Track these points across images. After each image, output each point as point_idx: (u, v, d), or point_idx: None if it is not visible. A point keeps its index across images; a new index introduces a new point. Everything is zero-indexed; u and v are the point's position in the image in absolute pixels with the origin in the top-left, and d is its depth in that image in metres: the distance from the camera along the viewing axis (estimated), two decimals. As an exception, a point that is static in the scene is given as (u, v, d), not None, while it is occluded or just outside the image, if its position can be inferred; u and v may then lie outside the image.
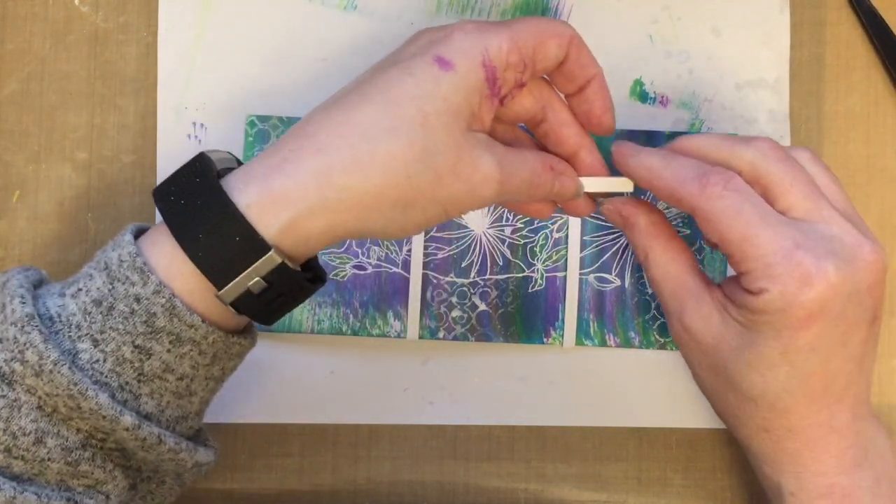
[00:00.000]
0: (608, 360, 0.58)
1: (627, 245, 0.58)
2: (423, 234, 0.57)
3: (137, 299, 0.41)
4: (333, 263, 0.58)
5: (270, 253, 0.41)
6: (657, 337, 0.58)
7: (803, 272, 0.43)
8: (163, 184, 0.42)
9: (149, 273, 0.41)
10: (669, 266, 0.49)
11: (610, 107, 0.49)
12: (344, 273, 0.58)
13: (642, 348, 0.58)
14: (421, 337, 0.57)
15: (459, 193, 0.43)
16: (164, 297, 0.41)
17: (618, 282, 0.58)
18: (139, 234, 0.43)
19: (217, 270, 0.41)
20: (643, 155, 0.48)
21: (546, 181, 0.47)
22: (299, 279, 0.43)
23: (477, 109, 0.43)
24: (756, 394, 0.46)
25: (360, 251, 0.58)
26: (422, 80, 0.42)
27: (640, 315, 0.58)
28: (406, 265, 0.58)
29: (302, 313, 0.57)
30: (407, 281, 0.58)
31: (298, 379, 0.58)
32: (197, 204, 0.41)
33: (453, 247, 0.58)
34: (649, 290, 0.58)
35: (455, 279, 0.58)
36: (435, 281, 0.58)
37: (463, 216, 0.58)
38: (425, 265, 0.58)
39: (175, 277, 0.41)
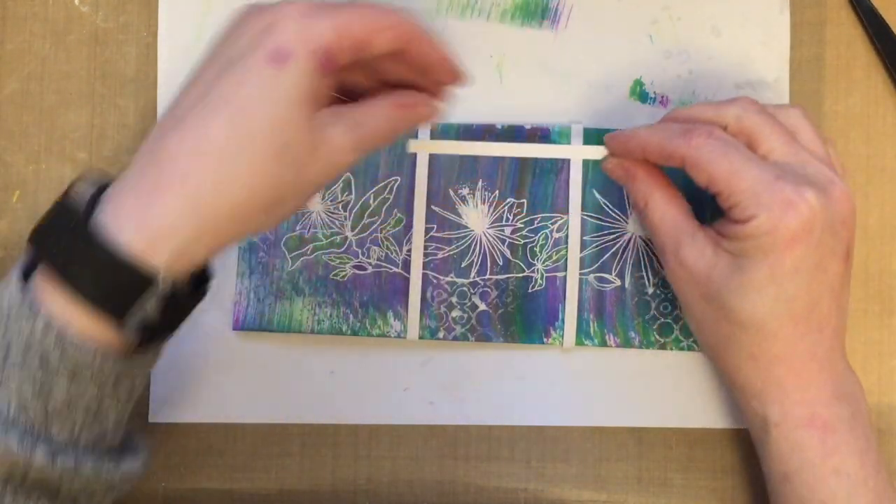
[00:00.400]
0: (608, 360, 0.58)
1: (627, 245, 0.58)
2: (423, 234, 0.58)
3: (30, 339, 0.41)
4: (333, 263, 0.58)
5: (160, 281, 0.41)
6: (657, 337, 0.58)
7: (786, 197, 0.47)
8: (37, 230, 0.43)
9: (37, 312, 0.41)
10: (667, 209, 0.53)
11: (449, 58, 0.48)
12: (344, 273, 0.58)
13: (642, 348, 0.58)
14: (421, 337, 0.57)
15: (323, 171, 0.44)
16: (54, 334, 0.41)
17: (618, 282, 0.58)
18: (31, 264, 0.43)
19: (110, 307, 0.41)
20: (631, 132, 0.53)
21: (401, 121, 0.47)
22: (191, 291, 0.44)
23: (318, 91, 0.43)
24: (745, 318, 0.49)
25: (359, 251, 0.58)
26: (260, 84, 0.41)
27: (640, 315, 0.58)
28: (406, 265, 0.58)
29: (302, 313, 0.57)
30: (407, 281, 0.58)
31: (298, 379, 0.58)
32: (78, 247, 0.41)
33: (453, 247, 0.58)
34: (649, 291, 0.58)
35: (455, 279, 0.58)
36: (435, 281, 0.58)
37: (463, 217, 0.58)
38: (425, 265, 0.58)
39: (67, 314, 0.41)
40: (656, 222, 0.53)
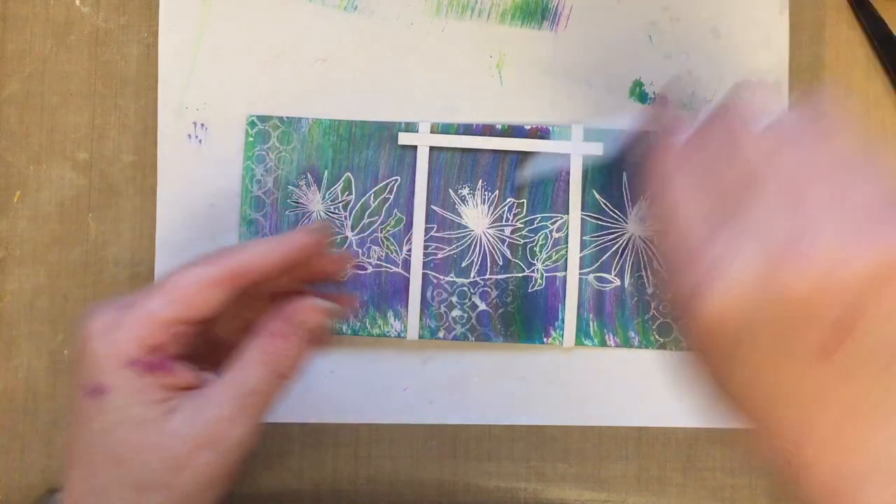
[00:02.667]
0: (608, 359, 0.58)
1: (627, 245, 0.58)
2: (423, 233, 0.58)
3: None
4: (333, 263, 0.58)
5: None
6: (657, 337, 0.58)
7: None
8: None
9: None
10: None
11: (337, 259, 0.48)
12: (344, 273, 0.58)
13: (642, 348, 0.58)
14: (421, 337, 0.58)
15: (210, 463, 0.43)
16: None
17: (617, 282, 0.58)
18: None
19: None
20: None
21: (286, 351, 0.45)
22: None
23: (156, 391, 0.42)
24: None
25: (360, 251, 0.58)
26: (91, 422, 0.42)
27: (640, 315, 0.58)
28: (406, 265, 0.58)
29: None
30: (407, 281, 0.58)
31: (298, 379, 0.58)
32: None
33: (453, 247, 0.58)
34: (649, 290, 0.58)
35: (455, 279, 0.58)
36: (435, 281, 0.58)
37: (463, 216, 0.58)
38: (425, 265, 0.58)
39: None
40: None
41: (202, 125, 0.59)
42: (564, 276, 0.58)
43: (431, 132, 0.58)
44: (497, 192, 0.58)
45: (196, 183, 0.58)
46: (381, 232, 0.58)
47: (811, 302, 0.34)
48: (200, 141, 0.58)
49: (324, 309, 0.46)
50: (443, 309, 0.58)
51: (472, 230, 0.58)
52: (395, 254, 0.58)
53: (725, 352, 0.37)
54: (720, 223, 0.37)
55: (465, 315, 0.58)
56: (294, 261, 0.45)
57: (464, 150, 0.58)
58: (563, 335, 0.58)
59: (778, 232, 0.35)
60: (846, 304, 0.34)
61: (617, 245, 0.58)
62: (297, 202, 0.58)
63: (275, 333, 0.45)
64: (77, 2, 0.59)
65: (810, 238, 0.34)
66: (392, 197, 0.58)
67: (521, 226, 0.58)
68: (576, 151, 0.58)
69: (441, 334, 0.58)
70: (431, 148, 0.58)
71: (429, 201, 0.58)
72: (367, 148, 0.58)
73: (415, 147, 0.58)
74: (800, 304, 0.34)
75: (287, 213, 0.58)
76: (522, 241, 0.58)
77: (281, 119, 0.58)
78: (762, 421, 0.38)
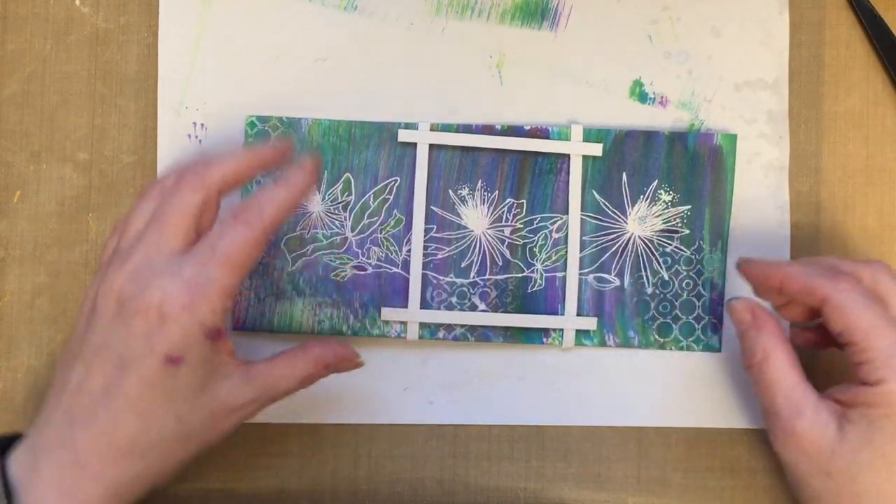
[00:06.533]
0: (607, 360, 0.58)
1: (627, 245, 0.58)
2: (422, 234, 0.58)
3: None
4: (333, 264, 0.58)
5: None
6: (656, 337, 0.58)
7: None
8: None
9: None
10: (789, 372, 0.51)
11: None
12: (344, 273, 0.58)
13: (641, 348, 0.58)
14: (421, 337, 0.57)
15: (227, 431, 0.49)
16: None
17: (617, 282, 0.58)
18: None
19: None
20: (774, 262, 0.52)
21: (322, 375, 0.52)
22: None
23: (217, 360, 0.48)
24: (874, 495, 0.47)
25: (360, 252, 0.58)
26: (161, 385, 0.46)
27: (640, 315, 0.58)
28: (406, 265, 0.58)
29: (302, 314, 0.57)
30: (407, 281, 0.58)
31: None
32: None
33: (453, 247, 0.58)
34: (648, 291, 0.58)
35: (455, 279, 0.58)
36: (435, 281, 0.58)
37: (463, 217, 0.58)
38: (425, 265, 0.58)
39: None
40: (773, 381, 0.51)
41: (202, 125, 0.59)
42: (564, 277, 0.58)
43: (431, 131, 0.58)
44: (497, 192, 0.58)
45: (196, 183, 0.58)
46: (381, 232, 0.58)
47: None
48: (200, 141, 0.58)
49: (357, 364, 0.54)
50: (442, 309, 0.58)
51: (472, 231, 0.58)
52: (394, 254, 0.58)
53: None
54: None
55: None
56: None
57: (463, 151, 0.58)
58: (562, 335, 0.58)
59: None
60: None
61: (616, 245, 0.58)
62: (296, 202, 0.58)
63: (329, 360, 0.52)
64: (77, 2, 0.59)
65: None
66: (392, 197, 0.58)
67: (521, 226, 0.58)
68: (575, 151, 0.58)
69: (441, 334, 0.58)
70: (431, 146, 0.58)
71: (428, 202, 0.58)
72: (367, 148, 0.58)
73: (414, 147, 0.58)
74: None
75: (287, 213, 0.58)
76: (522, 242, 0.58)
77: (280, 119, 0.58)
78: None
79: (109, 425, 0.45)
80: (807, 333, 0.56)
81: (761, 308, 0.53)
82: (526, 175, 0.58)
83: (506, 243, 0.58)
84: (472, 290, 0.58)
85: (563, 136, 0.58)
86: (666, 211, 0.58)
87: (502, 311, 0.58)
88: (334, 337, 0.57)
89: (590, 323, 0.58)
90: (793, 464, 0.50)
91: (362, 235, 0.58)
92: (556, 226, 0.58)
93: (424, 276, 0.58)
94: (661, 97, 0.59)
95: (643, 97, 0.59)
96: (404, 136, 0.58)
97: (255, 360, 0.50)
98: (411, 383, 0.58)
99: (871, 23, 0.59)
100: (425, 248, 0.58)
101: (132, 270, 0.47)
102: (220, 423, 0.48)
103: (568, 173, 0.58)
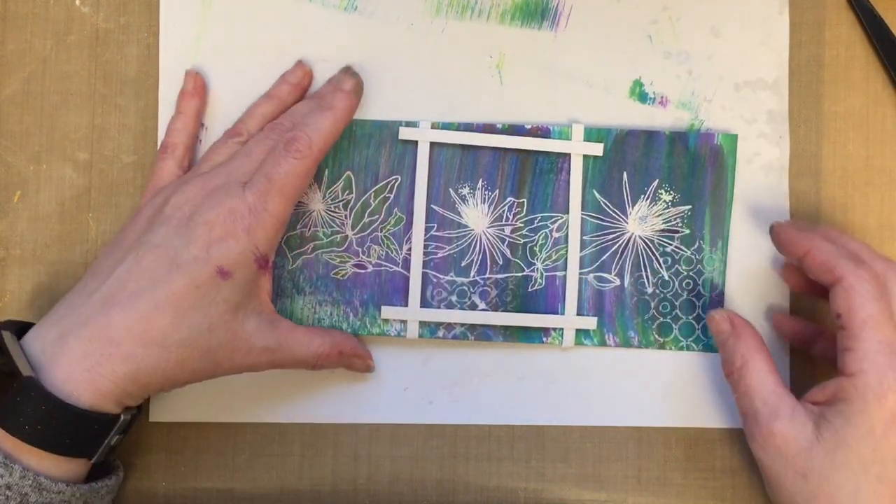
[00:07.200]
0: (607, 359, 0.58)
1: (627, 245, 0.58)
2: (423, 233, 0.58)
3: (8, 486, 0.47)
4: (334, 263, 0.58)
5: (122, 418, 0.50)
6: (656, 336, 0.58)
7: None
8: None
9: (12, 464, 0.47)
10: (767, 376, 0.52)
11: None
12: (344, 272, 0.58)
13: (641, 348, 0.58)
14: (421, 336, 0.57)
15: (237, 367, 0.52)
16: (29, 479, 0.47)
17: (617, 281, 0.58)
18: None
19: (81, 452, 0.49)
20: (808, 232, 0.53)
21: (332, 361, 0.55)
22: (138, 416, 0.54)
23: (256, 290, 0.52)
24: (845, 496, 0.48)
25: (360, 250, 0.58)
26: (206, 291, 0.49)
27: (640, 315, 0.58)
28: (406, 264, 0.58)
29: (303, 312, 0.57)
30: (407, 279, 0.58)
31: (298, 378, 0.58)
32: (44, 414, 0.47)
33: (453, 246, 0.58)
34: (648, 290, 0.58)
35: (455, 278, 0.58)
36: (435, 280, 0.58)
37: (463, 216, 0.58)
38: (425, 264, 0.58)
39: (41, 466, 0.48)
40: (753, 386, 0.52)
41: (202, 125, 0.59)
42: (564, 276, 0.58)
43: (432, 129, 0.58)
44: (497, 191, 0.58)
45: (196, 183, 0.58)
46: (382, 231, 0.58)
47: None
48: (201, 141, 0.59)
49: (370, 366, 0.58)
50: (442, 308, 0.58)
51: (473, 229, 0.58)
52: (395, 253, 0.58)
53: None
54: None
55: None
56: None
57: (464, 150, 0.58)
58: (562, 335, 0.58)
59: None
60: None
61: (617, 245, 0.58)
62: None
63: (345, 349, 0.56)
64: (77, 2, 0.59)
65: None
66: (392, 196, 0.58)
67: (521, 225, 0.58)
68: (576, 151, 0.58)
69: (441, 333, 0.58)
70: (432, 145, 0.58)
71: (429, 200, 0.58)
72: (368, 147, 0.58)
73: (415, 146, 0.58)
74: None
75: (287, 212, 0.58)
76: (522, 241, 0.58)
77: (281, 117, 0.58)
78: None
79: (148, 313, 0.48)
80: (791, 323, 0.58)
81: (739, 318, 0.55)
82: (526, 174, 0.58)
83: (506, 242, 0.58)
84: (472, 289, 0.58)
85: (564, 135, 0.58)
86: (666, 211, 0.58)
87: (502, 310, 0.58)
88: (357, 336, 0.58)
89: (590, 322, 0.58)
90: (770, 466, 0.51)
91: (363, 234, 0.58)
92: (556, 225, 0.58)
93: (425, 275, 0.58)
94: (661, 97, 0.59)
95: (643, 97, 0.59)
96: (405, 133, 0.58)
97: (283, 318, 0.54)
98: (411, 383, 0.58)
99: (871, 23, 0.59)
100: (426, 246, 0.58)
101: (211, 189, 0.51)
102: (235, 355, 0.51)
103: (569, 172, 0.58)
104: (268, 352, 0.52)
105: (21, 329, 0.50)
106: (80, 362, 0.48)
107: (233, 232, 0.50)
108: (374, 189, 0.58)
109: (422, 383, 0.58)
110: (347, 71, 0.58)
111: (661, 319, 0.58)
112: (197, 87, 0.58)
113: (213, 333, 0.50)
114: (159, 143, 0.58)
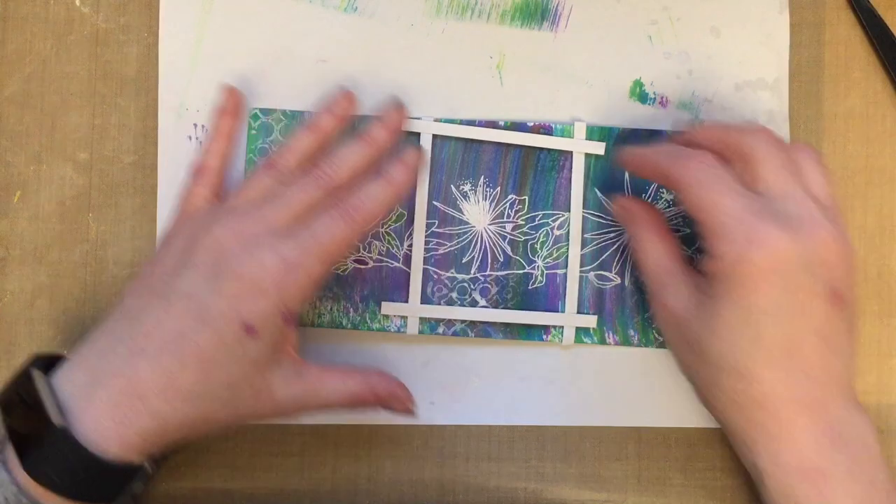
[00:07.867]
0: (607, 358, 0.58)
1: (628, 243, 0.58)
2: (424, 229, 0.58)
3: None
4: (335, 259, 0.58)
5: (146, 467, 0.50)
6: (656, 336, 0.58)
7: (750, 233, 0.47)
8: (12, 430, 0.48)
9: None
10: (655, 250, 0.54)
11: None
12: (345, 267, 0.58)
13: (641, 346, 0.58)
14: (421, 332, 0.57)
15: (263, 418, 0.51)
16: None
17: (618, 280, 0.58)
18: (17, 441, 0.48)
19: (107, 497, 0.49)
20: (644, 149, 0.53)
21: (368, 402, 0.53)
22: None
23: (282, 343, 0.51)
24: (722, 361, 0.48)
25: (360, 245, 0.58)
26: (232, 348, 0.48)
27: (640, 313, 0.58)
28: (407, 260, 0.58)
29: (303, 307, 0.57)
30: (408, 276, 0.58)
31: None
32: (69, 461, 0.47)
33: (454, 242, 0.58)
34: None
35: (455, 275, 0.58)
36: (435, 276, 0.58)
37: (464, 213, 0.58)
38: (426, 260, 0.58)
39: None
40: (644, 262, 0.54)
41: (202, 126, 0.59)
42: (565, 274, 0.58)
43: (435, 122, 0.58)
44: (499, 188, 0.58)
45: (196, 182, 0.58)
46: (383, 227, 0.58)
47: (825, 264, 0.48)
48: (201, 142, 0.58)
49: (411, 407, 0.55)
50: (443, 304, 0.58)
51: (474, 226, 0.58)
52: (396, 249, 0.58)
53: (778, 285, 0.47)
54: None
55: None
56: None
57: (466, 147, 0.58)
58: (562, 333, 0.58)
59: None
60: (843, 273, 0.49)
61: (618, 243, 0.58)
62: (297, 200, 0.58)
63: (380, 391, 0.54)
64: (77, 2, 0.59)
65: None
66: (393, 192, 0.58)
67: (523, 223, 0.58)
68: (578, 149, 0.58)
69: (441, 330, 0.58)
70: (434, 140, 0.58)
71: (430, 197, 0.58)
72: (369, 144, 0.58)
73: (418, 141, 0.58)
74: (819, 264, 0.48)
75: (288, 211, 0.57)
76: (523, 238, 0.58)
77: (284, 112, 0.58)
78: None
79: (175, 367, 0.48)
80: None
81: (631, 200, 0.56)
82: (528, 171, 0.58)
83: (507, 239, 0.58)
84: (472, 286, 0.58)
85: (567, 133, 0.58)
86: (667, 210, 0.58)
87: (503, 308, 0.58)
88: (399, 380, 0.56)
89: (590, 321, 0.58)
90: (668, 339, 0.54)
91: (364, 230, 0.58)
92: (557, 223, 0.58)
93: (425, 271, 0.58)
94: (662, 97, 0.59)
95: (643, 97, 0.60)
96: (409, 125, 0.58)
97: (312, 362, 0.53)
98: (411, 383, 0.58)
99: (871, 23, 0.59)
100: (426, 243, 0.58)
101: (244, 237, 0.50)
102: (260, 407, 0.50)
103: (570, 170, 0.58)
104: (295, 403, 0.51)
105: (47, 363, 0.50)
106: (108, 414, 0.47)
107: (263, 287, 0.48)
108: (375, 185, 0.58)
109: (422, 383, 0.58)
110: (412, 146, 0.57)
111: (662, 319, 0.58)
112: (235, 106, 0.58)
113: (236, 390, 0.49)
114: (159, 145, 0.58)
